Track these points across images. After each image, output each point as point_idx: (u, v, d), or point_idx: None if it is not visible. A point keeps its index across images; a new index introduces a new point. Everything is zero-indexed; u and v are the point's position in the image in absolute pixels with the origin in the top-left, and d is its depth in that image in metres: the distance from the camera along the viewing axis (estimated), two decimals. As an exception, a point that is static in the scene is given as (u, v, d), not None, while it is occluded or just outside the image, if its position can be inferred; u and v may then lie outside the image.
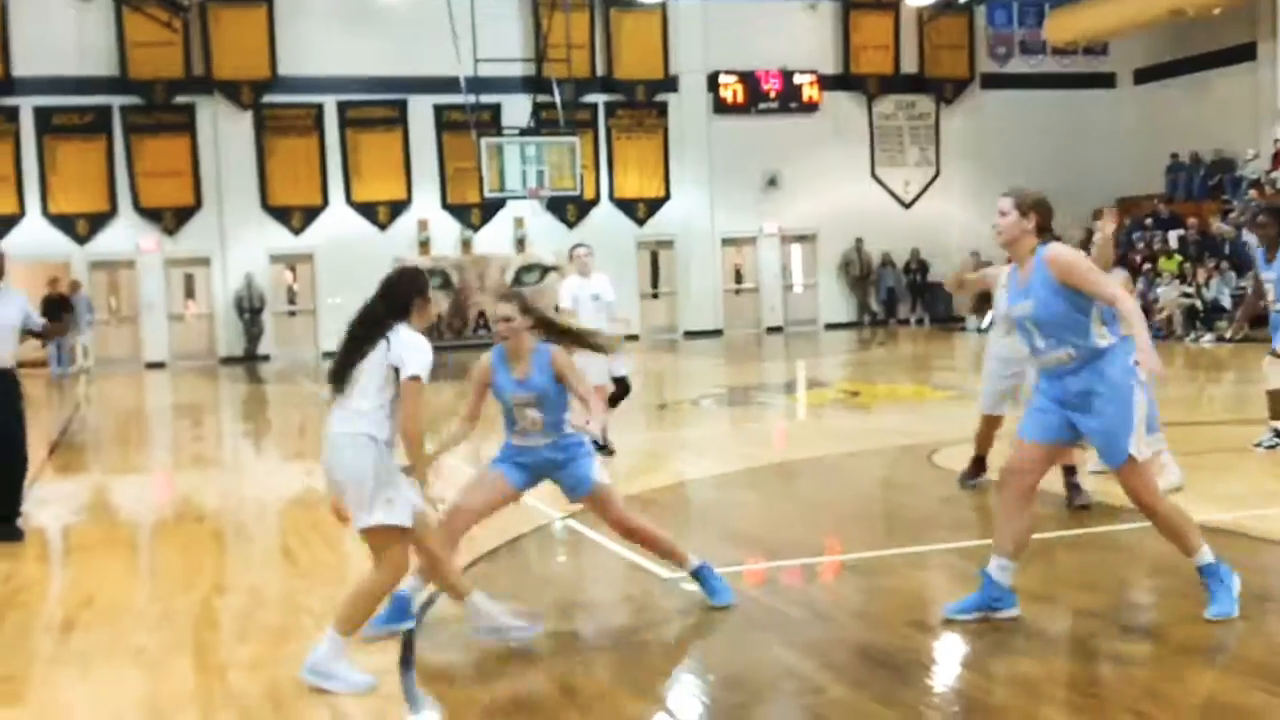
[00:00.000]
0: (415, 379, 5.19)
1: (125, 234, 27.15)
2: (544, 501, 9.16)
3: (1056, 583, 6.27)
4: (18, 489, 8.54)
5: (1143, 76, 31.64)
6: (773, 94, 30.33)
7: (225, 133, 27.50)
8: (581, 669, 5.25)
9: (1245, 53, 28.37)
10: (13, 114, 26.32)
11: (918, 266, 31.04)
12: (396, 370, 5.22)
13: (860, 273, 31.04)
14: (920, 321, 30.82)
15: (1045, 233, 5.82)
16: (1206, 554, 5.47)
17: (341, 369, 5.42)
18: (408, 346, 5.26)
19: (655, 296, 30.60)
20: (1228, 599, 5.42)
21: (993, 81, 31.81)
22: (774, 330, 30.69)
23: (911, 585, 6.60)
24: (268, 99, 27.64)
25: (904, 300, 31.27)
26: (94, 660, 5.71)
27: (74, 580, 7.39)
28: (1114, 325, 5.46)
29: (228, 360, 27.18)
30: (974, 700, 4.74)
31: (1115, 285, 5.57)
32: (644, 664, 5.30)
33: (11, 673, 5.59)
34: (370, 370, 5.30)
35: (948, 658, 5.40)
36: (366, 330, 5.40)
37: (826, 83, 30.74)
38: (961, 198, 31.30)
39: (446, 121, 28.30)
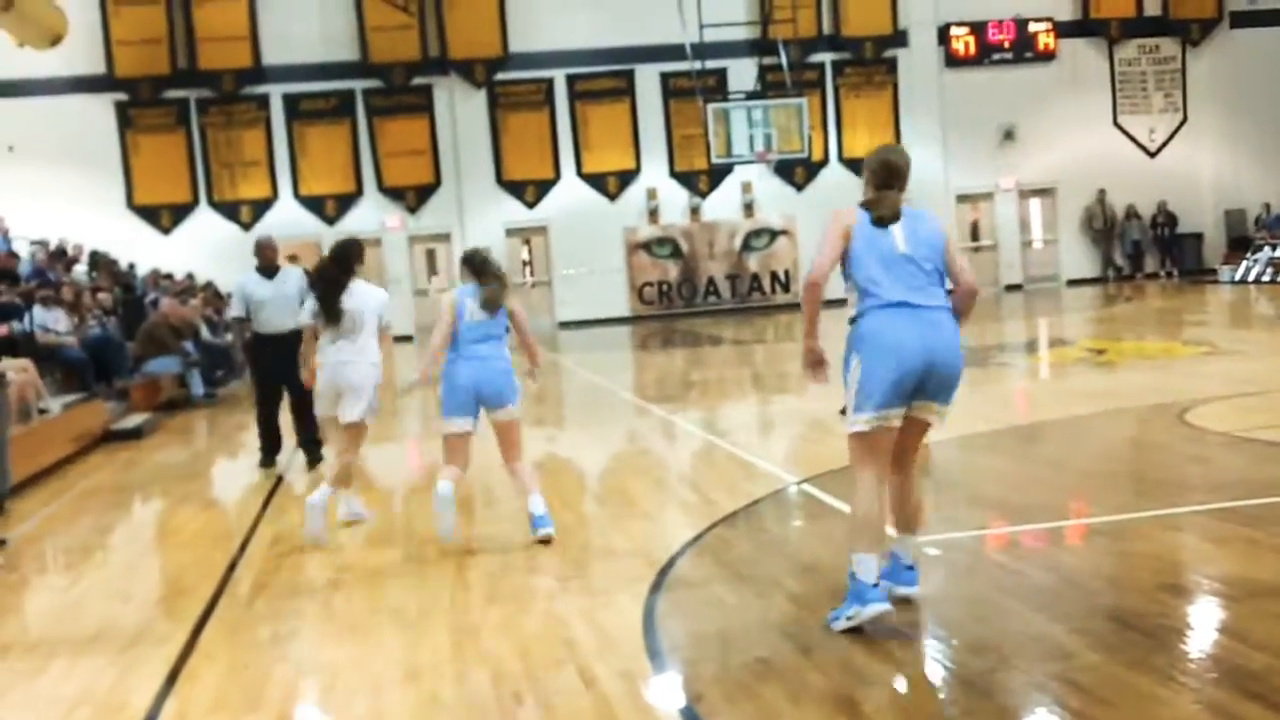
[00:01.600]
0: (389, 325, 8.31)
1: (371, 213, 28.27)
2: (779, 466, 9.20)
3: (1323, 546, 5.96)
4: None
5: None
6: (1006, 44, 29.45)
7: (461, 111, 28.31)
8: (820, 632, 5.26)
9: None
10: (264, 101, 27.69)
11: (1165, 219, 29.74)
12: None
13: (1104, 226, 29.92)
14: (1170, 275, 29.53)
15: None
16: None
17: (333, 310, 8.04)
18: (373, 295, 8.20)
19: (887, 257, 30.13)
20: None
21: (1244, 19, 30.10)
22: (1013, 288, 29.88)
23: (1163, 548, 6.37)
24: (500, 76, 28.32)
25: (1151, 253, 30.02)
26: (356, 621, 6.01)
27: (335, 544, 7.77)
28: None
29: (469, 332, 27.99)
30: (1232, 665, 4.56)
31: None
32: (886, 628, 5.27)
33: (279, 633, 5.94)
34: (368, 316, 8.10)
35: (1203, 622, 5.20)
36: (331, 284, 8.08)
37: (1063, 29, 29.67)
38: (1213, 146, 29.82)
39: (673, 89, 28.46)
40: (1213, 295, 24.46)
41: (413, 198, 28.39)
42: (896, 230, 5.37)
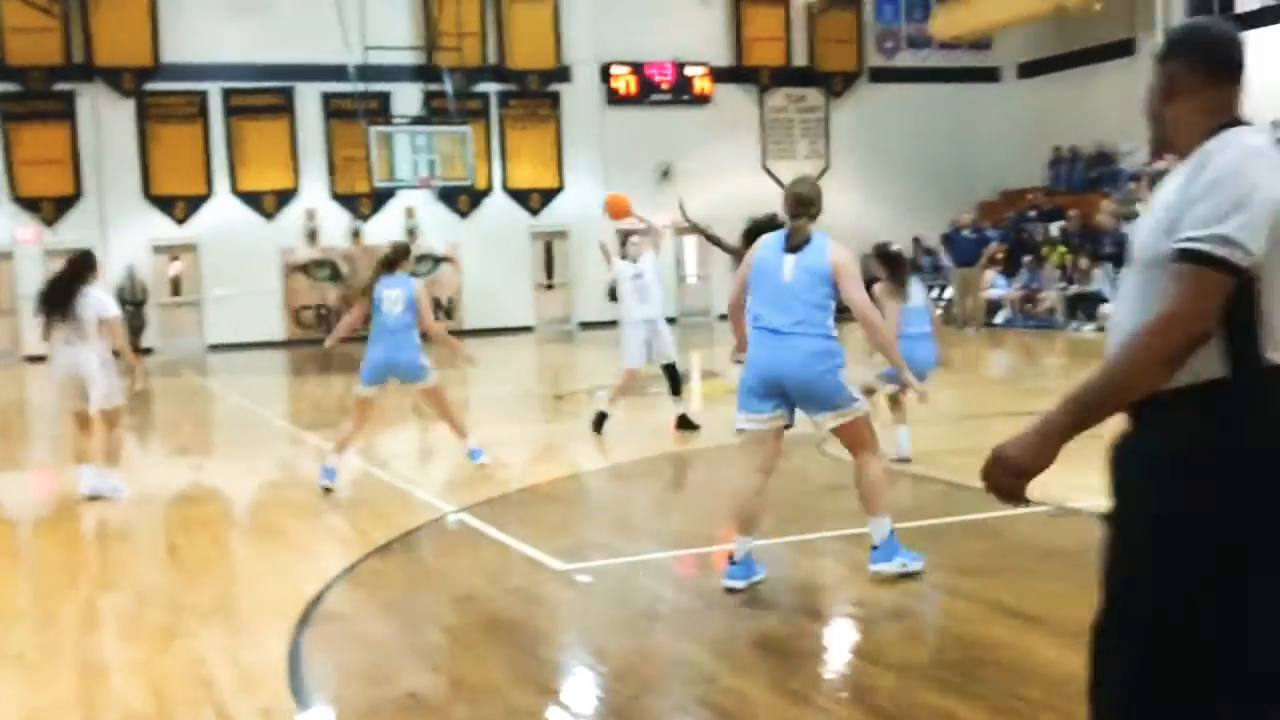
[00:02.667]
0: (116, 317, 9.48)
1: (2, 224, 26.38)
2: (438, 496, 9.12)
3: (942, 569, 6.37)
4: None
5: (1026, 71, 32.28)
6: (665, 86, 30.41)
7: (106, 121, 26.83)
8: (473, 663, 5.22)
9: (1125, 48, 29.08)
10: (-119, 100, 25.44)
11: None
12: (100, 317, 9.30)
13: (752, 263, 31.25)
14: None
15: None
16: None
17: (60, 310, 9.27)
18: (103, 300, 9.46)
19: (550, 287, 30.53)
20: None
21: (881, 75, 32.22)
22: (670, 321, 30.71)
23: (802, 573, 6.67)
24: (150, 86, 27.03)
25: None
26: (-31, 664, 5.54)
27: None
28: None
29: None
30: (862, 685, 4.81)
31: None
32: (536, 656, 5.29)
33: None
34: (87, 316, 9.22)
35: (837, 644, 5.47)
36: (64, 288, 9.35)
37: (718, 75, 30.90)
38: (852, 191, 31.69)
39: (334, 110, 27.91)
40: (849, 332, 25.96)
41: (50, 209, 26.67)
42: (789, 260, 6.10)
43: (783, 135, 31.91)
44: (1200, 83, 2.68)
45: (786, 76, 31.66)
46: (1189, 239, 2.47)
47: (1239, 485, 2.43)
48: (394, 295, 9.47)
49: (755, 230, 9.70)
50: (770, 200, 32.81)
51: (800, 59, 31.75)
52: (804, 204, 6.27)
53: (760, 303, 6.10)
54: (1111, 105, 29.21)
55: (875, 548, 6.20)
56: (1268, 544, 2.43)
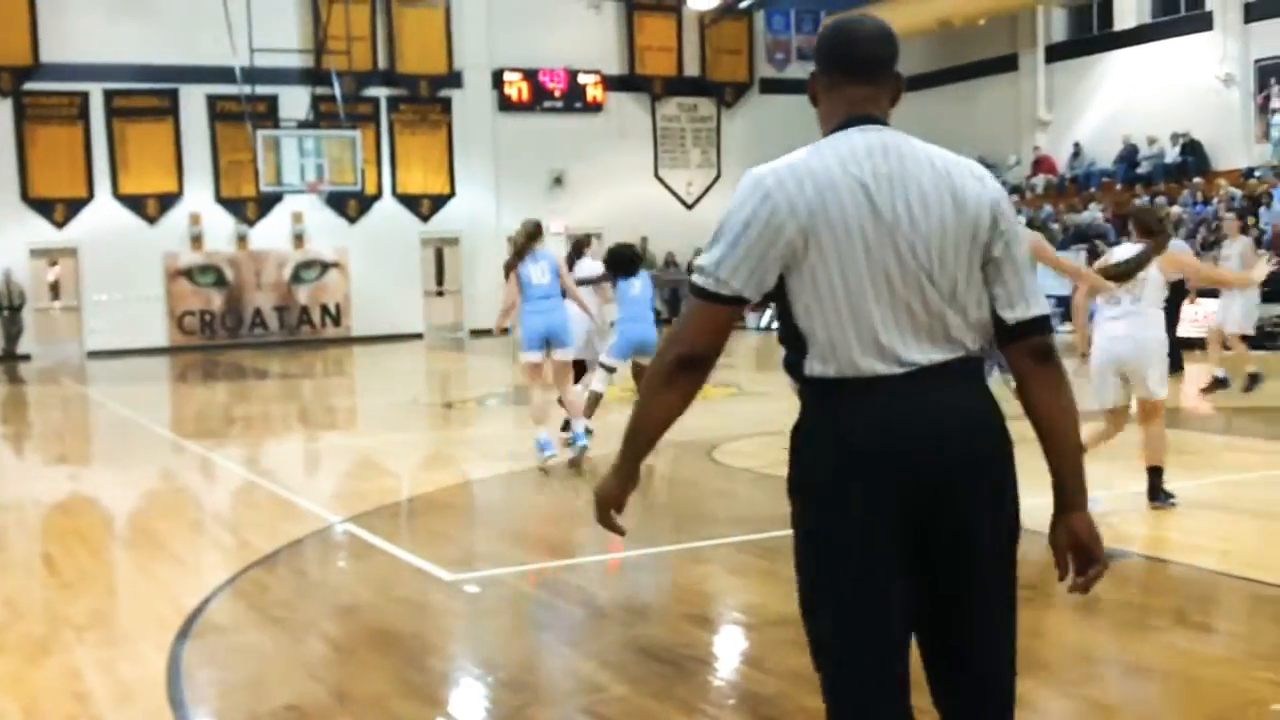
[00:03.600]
0: None
1: None
2: (323, 506, 8.99)
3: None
4: None
5: (912, 84, 32.59)
6: (557, 93, 30.42)
7: (-18, 120, 26.10)
8: (357, 674, 5.16)
9: (1008, 63, 29.74)
10: None
11: (700, 266, 31.54)
12: None
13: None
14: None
15: None
16: None
17: None
18: None
19: (440, 294, 30.34)
20: None
21: (771, 86, 32.57)
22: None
23: (690, 580, 6.70)
24: (29, 86, 26.35)
25: (687, 299, 31.72)
26: None
27: None
28: None
29: (-15, 359, 25.81)
30: (748, 692, 4.84)
31: None
32: (423, 667, 5.23)
33: None
34: None
35: (724, 651, 5.50)
36: None
37: (611, 83, 30.98)
38: (742, 199, 31.99)
39: (220, 112, 27.47)
40: (741, 340, 26.14)
41: (-79, 211, 25.87)
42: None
43: (675, 144, 32.10)
44: (829, 83, 2.67)
45: (679, 86, 31.85)
46: (692, 265, 2.63)
47: (799, 465, 2.69)
48: (541, 268, 10.17)
49: (614, 258, 10.55)
50: (663, 208, 33.24)
51: (692, 69, 31.96)
52: None
53: None
54: (994, 118, 29.89)
55: None
56: (815, 516, 2.69)
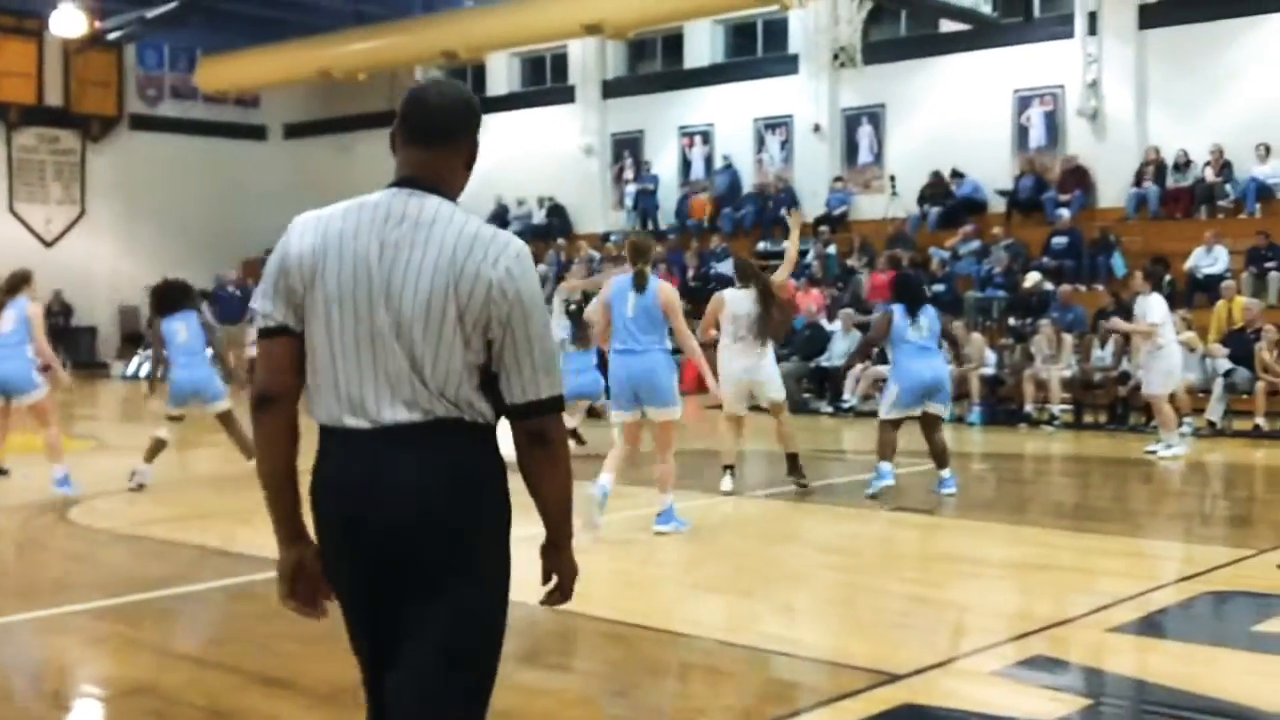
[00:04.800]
0: None
1: None
2: None
3: (193, 638, 6.12)
4: None
5: (293, 131, 32.65)
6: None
7: None
8: None
9: (386, 119, 30.03)
10: None
11: (60, 309, 29.32)
12: None
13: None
14: (65, 365, 29.07)
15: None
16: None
17: None
18: None
19: None
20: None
21: (142, 123, 31.07)
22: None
23: (41, 653, 6.12)
24: None
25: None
26: None
27: None
28: None
29: None
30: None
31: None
32: None
33: None
34: None
35: (78, 730, 5.05)
36: None
37: (-41, 106, 28.20)
38: (111, 240, 30.20)
39: None
40: (105, 389, 24.58)
41: None
42: (632, 298, 8.29)
43: (33, 177, 29.77)
44: (399, 142, 2.87)
45: (38, 115, 29.57)
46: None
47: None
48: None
49: (161, 291, 11.06)
50: (18, 245, 30.63)
51: (54, 98, 29.80)
52: (640, 253, 8.48)
53: (617, 331, 8.39)
54: (373, 171, 30.17)
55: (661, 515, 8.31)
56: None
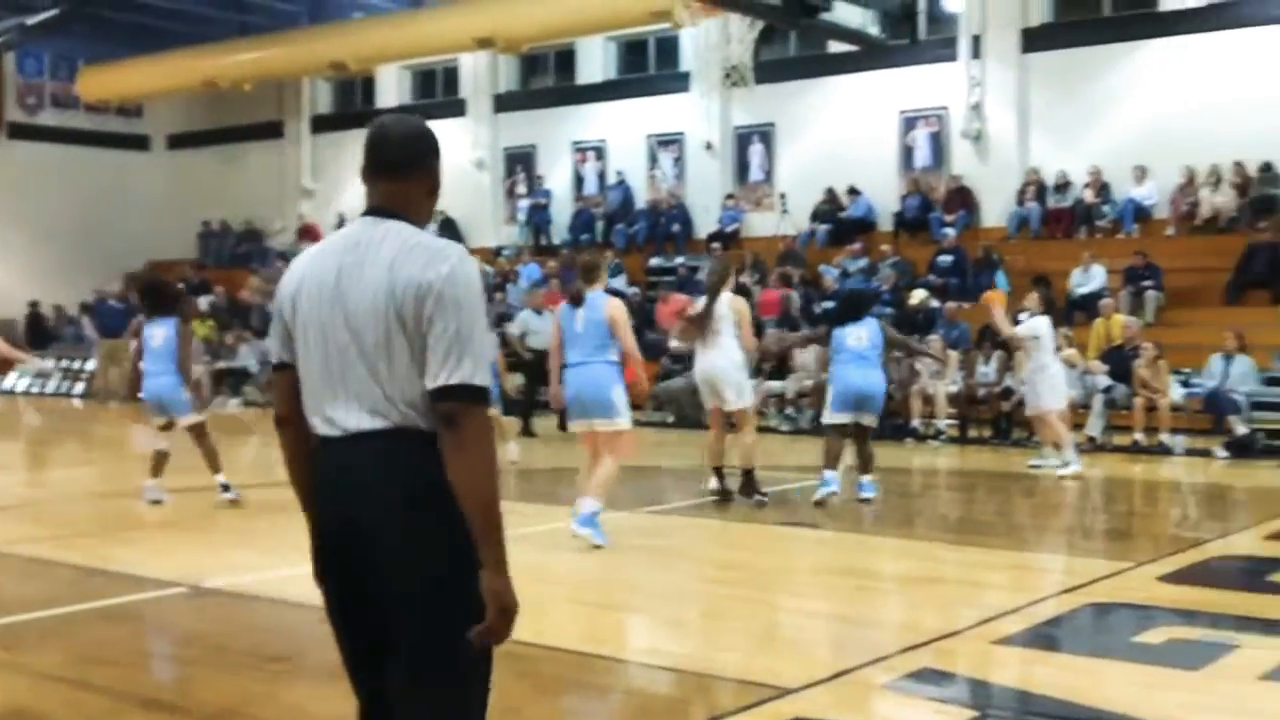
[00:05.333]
0: None
1: None
2: None
3: (73, 661, 5.94)
4: None
5: (177, 142, 32.03)
6: None
7: None
8: None
9: (274, 130, 29.89)
10: None
11: (-68, 322, 28.40)
12: None
13: None
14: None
15: None
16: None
17: None
18: None
19: None
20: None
21: (21, 132, 30.23)
22: None
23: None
24: None
25: None
26: None
27: None
28: None
29: None
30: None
31: None
32: None
33: None
34: None
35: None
36: None
37: None
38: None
39: None
40: (-20, 405, 23.83)
41: None
42: (580, 313, 8.62)
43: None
44: (365, 175, 3.03)
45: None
46: None
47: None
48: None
49: (155, 289, 10.87)
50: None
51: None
52: (588, 271, 8.83)
53: (567, 348, 8.70)
54: (261, 183, 29.92)
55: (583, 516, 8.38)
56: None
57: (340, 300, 2.86)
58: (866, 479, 10.57)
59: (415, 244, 2.85)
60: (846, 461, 10.68)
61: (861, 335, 10.40)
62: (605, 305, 8.61)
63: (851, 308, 10.82)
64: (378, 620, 2.84)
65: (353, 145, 25.14)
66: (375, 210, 2.96)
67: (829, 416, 10.59)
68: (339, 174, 28.92)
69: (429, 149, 3.04)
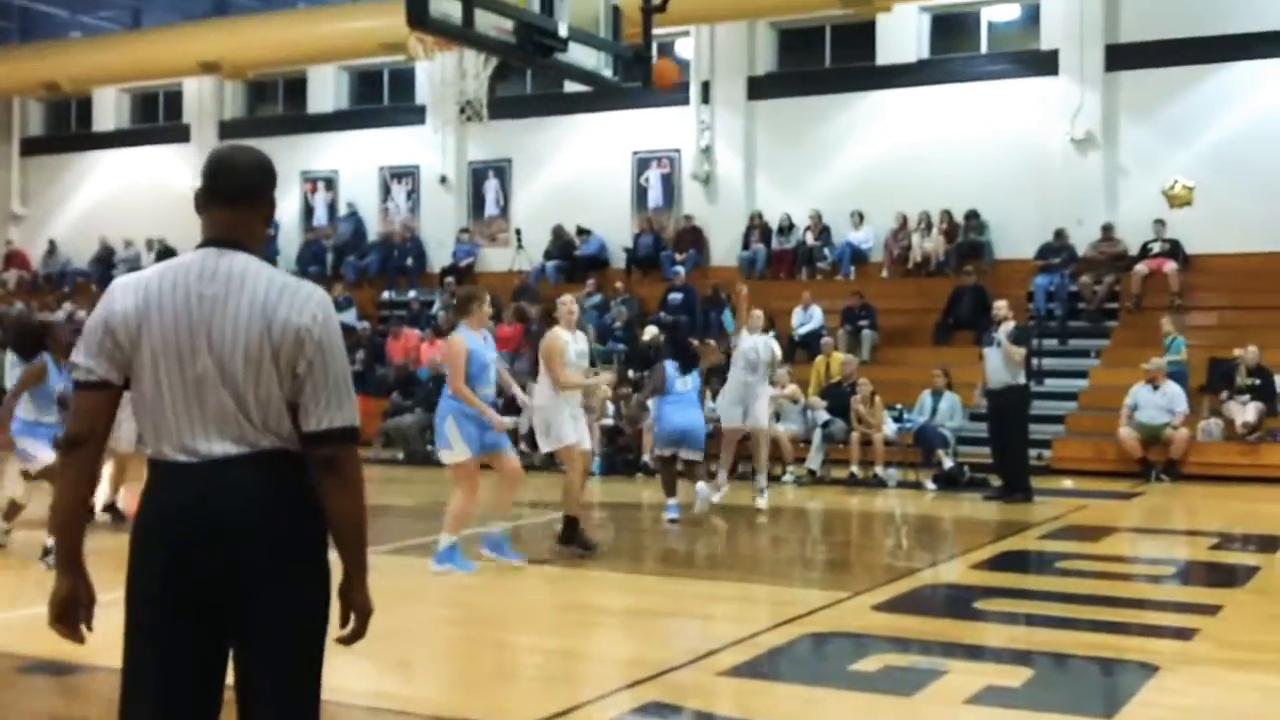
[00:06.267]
0: None
1: None
2: None
3: None
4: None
5: None
6: None
7: None
8: None
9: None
10: None
11: None
12: None
13: None
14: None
15: None
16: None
17: None
18: None
19: None
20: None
21: None
22: None
23: None
24: None
25: None
26: None
27: None
28: None
29: None
30: None
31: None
32: None
33: None
34: None
35: None
36: None
37: None
38: None
39: None
40: None
41: None
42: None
43: None
44: (203, 203, 3.10)
45: None
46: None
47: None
48: None
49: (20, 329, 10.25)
50: None
51: None
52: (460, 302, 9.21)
53: (476, 379, 8.75)
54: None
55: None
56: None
57: (203, 329, 2.91)
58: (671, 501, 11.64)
59: (283, 285, 2.96)
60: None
61: (688, 380, 11.59)
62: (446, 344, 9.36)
63: (684, 353, 12.09)
64: (223, 643, 2.94)
65: (67, 169, 24.21)
66: (216, 240, 3.02)
67: (655, 451, 11.98)
68: (51, 199, 27.48)
69: (271, 179, 3.12)
